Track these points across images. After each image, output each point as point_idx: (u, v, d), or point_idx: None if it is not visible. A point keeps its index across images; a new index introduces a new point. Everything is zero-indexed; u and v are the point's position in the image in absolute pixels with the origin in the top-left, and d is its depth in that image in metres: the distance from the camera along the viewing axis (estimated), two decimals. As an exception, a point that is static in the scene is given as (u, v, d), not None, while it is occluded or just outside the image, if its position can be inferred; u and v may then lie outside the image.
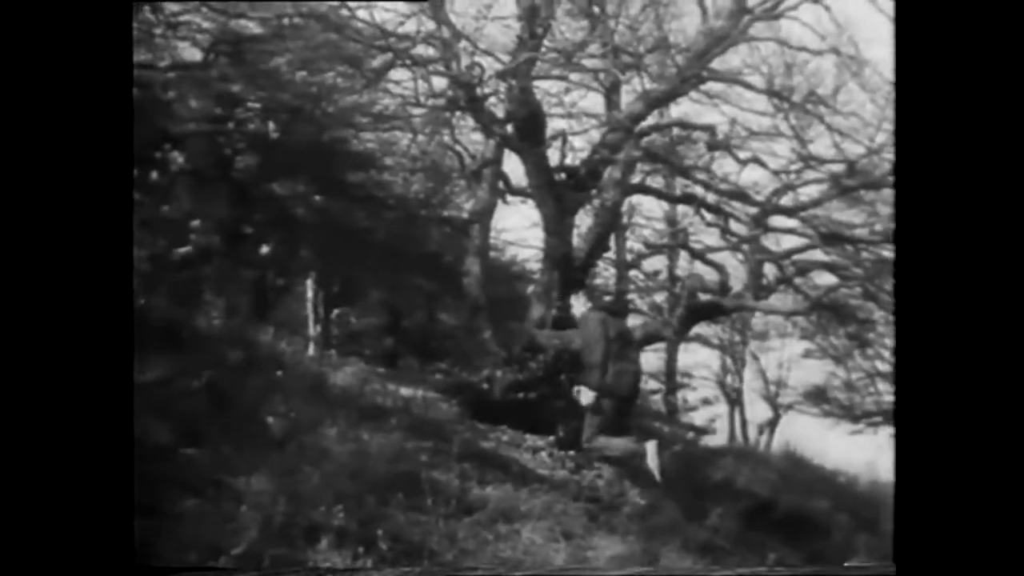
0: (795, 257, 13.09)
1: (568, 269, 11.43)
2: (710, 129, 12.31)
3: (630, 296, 16.45)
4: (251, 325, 10.16)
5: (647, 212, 15.81)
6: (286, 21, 10.22)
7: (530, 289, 12.72)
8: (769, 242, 13.24)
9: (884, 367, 15.44)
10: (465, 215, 13.03)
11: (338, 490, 6.63)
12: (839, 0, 11.46)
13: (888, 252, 11.73)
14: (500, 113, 11.41)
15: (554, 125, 11.98)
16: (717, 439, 16.24)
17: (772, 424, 19.22)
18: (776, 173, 12.64)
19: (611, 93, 12.37)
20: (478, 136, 12.40)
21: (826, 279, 13.31)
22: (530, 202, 12.25)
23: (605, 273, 15.95)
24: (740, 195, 12.62)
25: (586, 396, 8.75)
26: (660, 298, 16.88)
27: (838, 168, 12.14)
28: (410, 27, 10.81)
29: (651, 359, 16.44)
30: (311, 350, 11.84)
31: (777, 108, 12.13)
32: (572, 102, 12.58)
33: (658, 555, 7.58)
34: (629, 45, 11.72)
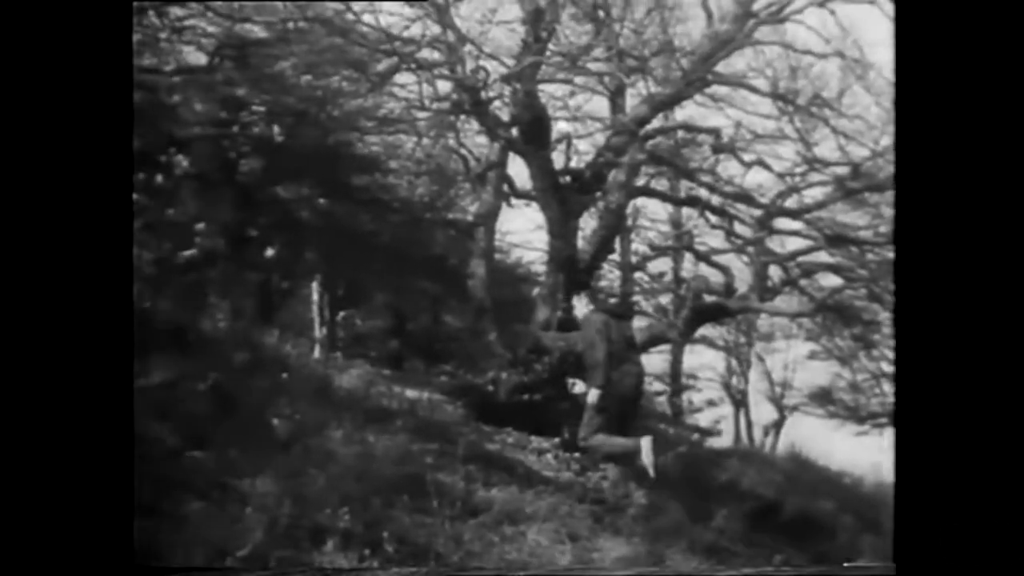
0: (800, 259, 13.10)
1: (573, 271, 11.42)
2: (715, 132, 12.32)
3: (635, 298, 16.47)
4: (256, 328, 10.18)
5: (652, 214, 15.81)
6: (291, 25, 10.24)
7: (535, 291, 12.73)
8: (774, 244, 13.26)
9: (889, 368, 15.39)
10: (470, 218, 13.05)
11: (344, 492, 6.64)
12: (844, 4, 11.45)
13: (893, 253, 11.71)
14: (505, 116, 11.41)
15: (559, 128, 12.00)
16: (722, 440, 16.15)
17: (777, 425, 19.21)
18: (781, 175, 12.65)
19: (616, 96, 12.39)
20: (483, 139, 12.44)
21: (831, 281, 13.32)
22: (535, 205, 12.25)
23: (610, 275, 15.98)
24: (745, 197, 12.63)
25: (592, 394, 8.74)
26: (665, 300, 16.88)
27: (843, 171, 12.14)
28: (415, 31, 10.84)
29: (656, 361, 16.43)
30: (316, 352, 11.87)
31: (782, 111, 12.13)
32: (577, 105, 12.64)
33: (663, 557, 7.58)
34: (634, 48, 11.71)
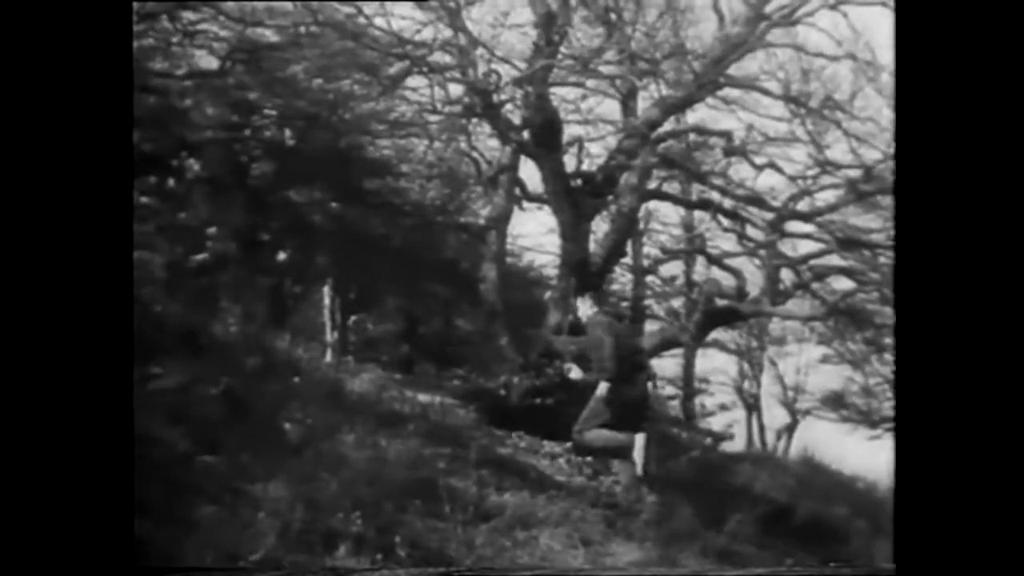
0: (812, 262, 13.11)
1: (585, 275, 11.41)
2: (727, 135, 12.32)
3: (647, 302, 16.49)
4: (268, 332, 10.17)
5: (664, 218, 15.87)
6: (302, 29, 10.26)
7: (547, 295, 12.74)
8: (786, 247, 13.27)
9: (902, 372, 15.36)
10: (482, 221, 13.08)
11: (356, 497, 6.62)
12: (855, 6, 11.42)
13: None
14: (517, 120, 11.43)
15: (571, 131, 12.04)
16: (735, 445, 16.17)
17: (790, 429, 19.23)
18: (793, 178, 12.65)
19: (628, 99, 12.40)
20: (494, 143, 12.46)
21: (843, 284, 13.33)
22: (547, 208, 12.29)
23: (622, 279, 16.01)
24: (757, 200, 12.63)
25: (602, 387, 8.69)
26: (677, 303, 16.92)
27: (855, 173, 12.12)
28: (427, 34, 10.85)
29: (668, 365, 16.47)
30: (328, 356, 11.86)
31: (794, 114, 12.11)
32: (589, 108, 12.65)
33: (676, 561, 7.55)
34: (646, 51, 11.71)
